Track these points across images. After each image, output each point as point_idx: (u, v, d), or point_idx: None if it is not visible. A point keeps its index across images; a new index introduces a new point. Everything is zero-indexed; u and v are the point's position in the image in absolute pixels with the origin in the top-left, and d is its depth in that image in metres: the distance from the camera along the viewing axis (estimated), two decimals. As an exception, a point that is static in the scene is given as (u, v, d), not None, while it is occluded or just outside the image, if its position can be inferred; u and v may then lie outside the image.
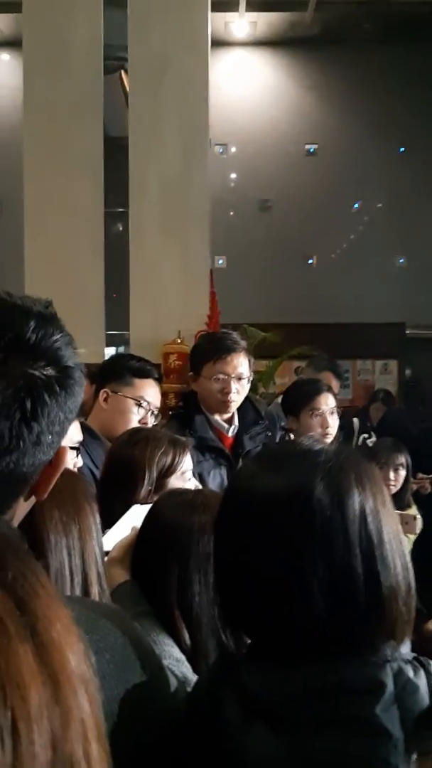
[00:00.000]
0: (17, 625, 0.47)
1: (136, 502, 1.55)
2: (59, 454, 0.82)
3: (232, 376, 2.44)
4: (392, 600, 0.82)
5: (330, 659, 0.80)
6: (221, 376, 2.43)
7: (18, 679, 0.45)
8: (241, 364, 2.46)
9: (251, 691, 0.83)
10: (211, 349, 2.48)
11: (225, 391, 2.44)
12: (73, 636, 0.51)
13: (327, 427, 2.75)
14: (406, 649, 0.86)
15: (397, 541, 0.85)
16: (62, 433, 0.78)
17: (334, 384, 3.51)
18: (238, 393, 2.47)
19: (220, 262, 8.78)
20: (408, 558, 0.86)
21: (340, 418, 2.97)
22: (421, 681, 0.80)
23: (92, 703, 0.49)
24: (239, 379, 2.46)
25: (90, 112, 5.02)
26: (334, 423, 2.79)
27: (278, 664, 0.82)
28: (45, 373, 0.72)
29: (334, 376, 3.66)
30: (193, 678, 1.07)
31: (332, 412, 2.79)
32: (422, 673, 0.81)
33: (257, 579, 0.84)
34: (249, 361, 2.51)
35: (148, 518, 1.31)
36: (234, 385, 2.43)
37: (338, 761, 0.76)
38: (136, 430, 1.82)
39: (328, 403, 2.78)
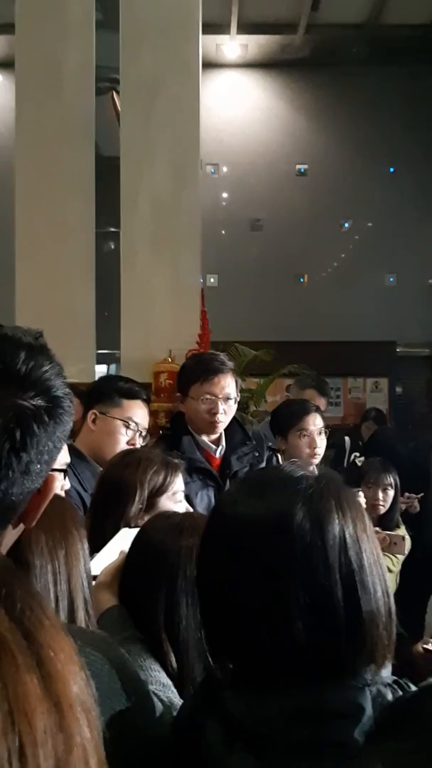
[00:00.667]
0: (24, 656, 0.50)
1: (127, 521, 1.55)
2: (48, 482, 0.83)
3: (220, 397, 2.44)
4: (372, 625, 0.83)
5: (310, 683, 0.81)
6: (208, 396, 2.44)
7: (25, 706, 0.47)
8: (229, 385, 2.47)
9: (233, 715, 0.83)
10: (198, 369, 2.48)
11: (212, 412, 2.44)
12: (76, 666, 0.54)
13: (315, 448, 2.76)
14: (386, 672, 0.87)
15: (377, 566, 0.86)
16: (51, 461, 0.80)
17: (320, 401, 3.50)
18: (226, 414, 2.47)
19: (212, 280, 8.83)
20: (388, 583, 0.87)
21: (332, 436, 2.98)
22: (401, 705, 0.81)
23: (93, 729, 0.52)
24: (226, 399, 2.46)
25: (82, 133, 5.06)
26: (321, 443, 2.80)
27: (259, 689, 0.83)
28: (34, 403, 0.73)
29: (318, 393, 3.64)
30: (179, 703, 1.07)
31: (320, 433, 2.79)
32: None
33: (238, 604, 0.85)
34: (236, 381, 2.51)
35: (136, 542, 1.32)
36: (221, 406, 2.44)
37: (319, 786, 0.77)
38: (128, 452, 1.82)
39: (316, 423, 2.79)
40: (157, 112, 5.06)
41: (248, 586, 0.85)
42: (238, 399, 2.52)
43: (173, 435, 2.54)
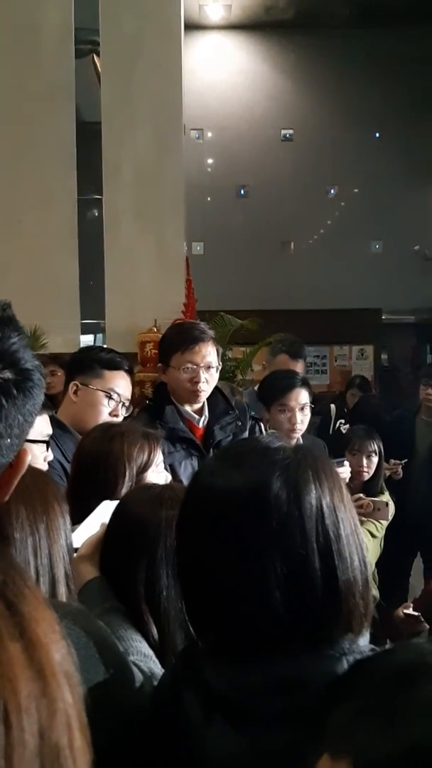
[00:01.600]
0: (8, 625, 0.52)
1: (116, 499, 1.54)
2: (20, 456, 0.82)
3: (201, 365, 2.42)
4: (349, 594, 0.83)
5: (288, 654, 0.81)
6: (190, 366, 2.42)
7: (9, 674, 0.49)
8: (210, 354, 2.45)
9: (211, 686, 0.84)
10: (178, 339, 2.46)
11: (194, 381, 2.42)
12: (57, 634, 0.55)
13: (294, 424, 2.75)
14: (364, 641, 0.87)
15: (354, 536, 0.86)
16: (22, 435, 0.78)
17: (294, 365, 3.43)
18: (208, 383, 2.45)
19: (198, 248, 8.75)
20: (365, 553, 0.87)
21: (318, 404, 2.97)
22: (377, 673, 0.81)
23: (75, 695, 0.53)
24: (208, 368, 2.44)
25: (62, 97, 4.96)
26: (303, 419, 2.78)
27: (238, 659, 0.83)
28: (2, 376, 0.72)
29: (290, 357, 3.54)
30: (160, 673, 1.08)
31: (302, 408, 2.78)
32: (378, 665, 0.82)
33: (216, 575, 0.85)
34: (217, 350, 2.50)
35: (116, 514, 1.31)
36: (203, 375, 2.42)
37: (295, 754, 0.77)
38: (108, 426, 1.79)
39: (298, 400, 2.76)
40: (139, 76, 4.96)
41: (226, 557, 0.84)
42: (219, 367, 2.51)
43: (156, 405, 2.53)
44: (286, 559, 0.81)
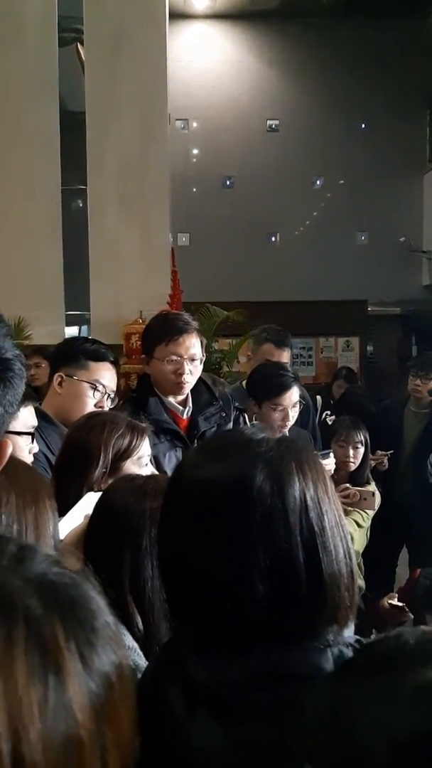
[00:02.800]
0: None
1: (90, 485, 1.53)
2: (1, 446, 0.81)
3: (185, 357, 2.41)
4: (334, 587, 0.82)
5: (272, 647, 0.80)
6: (174, 357, 2.41)
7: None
8: (194, 345, 2.44)
9: (195, 679, 0.83)
10: (162, 330, 2.45)
11: (178, 373, 2.41)
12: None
13: (287, 421, 2.76)
14: (349, 632, 0.87)
15: (339, 528, 0.85)
16: (2, 426, 0.77)
17: (280, 354, 3.43)
18: (191, 374, 2.44)
19: (183, 240, 8.72)
20: (350, 544, 0.87)
21: (303, 395, 2.97)
22: (362, 665, 0.81)
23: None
24: (192, 360, 2.43)
25: (45, 86, 4.91)
26: (294, 414, 2.80)
27: (222, 652, 0.82)
28: None
29: (275, 346, 3.51)
30: (144, 665, 1.07)
31: (294, 405, 2.79)
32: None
33: (199, 569, 0.84)
34: (201, 342, 2.49)
35: (100, 505, 1.30)
36: (187, 367, 2.41)
37: (280, 747, 0.77)
38: (93, 414, 1.79)
39: (292, 398, 2.78)
40: (123, 65, 4.92)
41: (209, 551, 0.83)
42: (203, 359, 2.50)
43: (140, 397, 2.52)
44: (269, 552, 0.80)
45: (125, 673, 0.55)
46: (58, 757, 0.46)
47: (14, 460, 1.26)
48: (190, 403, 2.53)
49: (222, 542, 0.82)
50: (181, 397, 2.49)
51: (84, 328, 6.08)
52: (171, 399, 2.48)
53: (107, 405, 2.22)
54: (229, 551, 0.81)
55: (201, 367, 2.49)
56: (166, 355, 2.41)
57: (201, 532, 0.84)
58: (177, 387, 2.45)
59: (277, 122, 9.00)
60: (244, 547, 0.81)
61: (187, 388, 2.47)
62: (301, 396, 2.86)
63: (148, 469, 1.67)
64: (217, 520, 0.83)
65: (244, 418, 2.71)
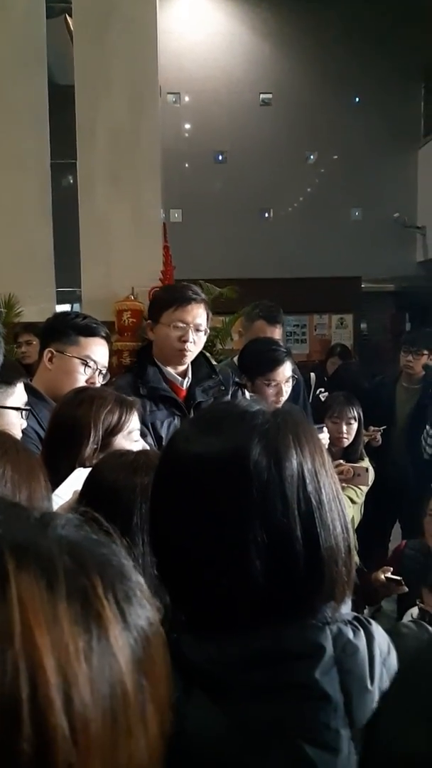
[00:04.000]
0: None
1: (82, 461, 1.51)
2: None
3: (191, 325, 2.42)
4: (332, 562, 0.80)
5: (269, 625, 0.78)
6: (180, 323, 2.42)
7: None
8: (200, 315, 2.45)
9: (190, 659, 0.80)
10: (171, 297, 2.46)
11: (183, 339, 2.42)
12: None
13: (280, 396, 2.74)
14: (346, 608, 0.85)
15: (336, 501, 0.82)
16: None
17: (272, 331, 3.41)
18: (195, 344, 2.46)
19: (176, 215, 8.63)
20: (348, 519, 0.84)
21: (297, 373, 2.96)
22: (361, 642, 0.79)
23: None
24: (197, 329, 2.45)
25: (33, 58, 4.80)
26: (288, 389, 2.79)
27: (217, 632, 0.80)
28: None
29: (267, 323, 3.51)
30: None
31: (287, 381, 2.76)
32: (362, 633, 0.80)
33: (194, 546, 0.81)
34: (208, 315, 2.49)
35: (89, 481, 1.28)
36: (191, 335, 2.42)
37: (278, 728, 0.75)
38: (81, 389, 1.76)
39: (285, 374, 2.75)
40: (113, 37, 4.81)
41: (204, 526, 0.81)
42: (207, 332, 2.51)
43: (139, 366, 2.51)
44: (266, 527, 0.78)
45: (159, 631, 0.56)
46: (105, 702, 0.46)
47: (10, 437, 1.23)
48: (189, 375, 2.53)
49: (217, 517, 0.79)
50: (181, 368, 2.49)
51: (76, 305, 6.02)
52: (170, 369, 2.48)
53: (99, 381, 2.18)
54: (225, 526, 0.79)
55: (204, 339, 2.50)
56: (173, 321, 2.42)
57: (195, 507, 0.81)
58: (179, 354, 2.45)
59: (270, 96, 8.87)
60: (241, 521, 0.78)
61: (189, 358, 2.48)
62: (293, 371, 2.84)
63: (139, 444, 1.65)
64: (213, 494, 0.80)
65: (243, 393, 2.70)
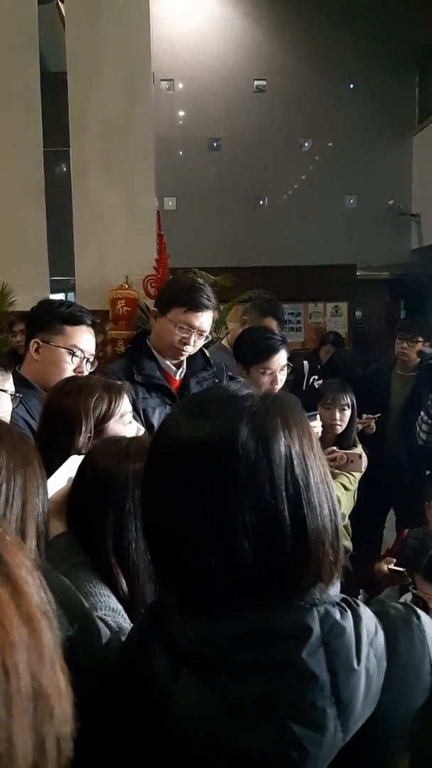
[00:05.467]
0: None
1: (76, 451, 1.51)
2: None
3: (195, 330, 2.45)
4: (318, 543, 0.81)
5: (257, 606, 0.79)
6: (186, 327, 2.44)
7: (2, 620, 0.49)
8: (207, 321, 2.48)
9: (179, 640, 0.81)
10: (185, 298, 2.45)
11: (183, 342, 2.45)
12: (36, 580, 0.56)
13: (275, 384, 2.75)
14: (335, 590, 0.86)
15: (324, 484, 0.83)
16: None
17: (274, 326, 3.49)
18: (194, 346, 2.49)
19: (170, 204, 8.59)
20: (335, 501, 0.85)
21: (292, 362, 2.97)
22: (348, 623, 0.80)
23: (55, 639, 0.54)
24: (200, 334, 2.48)
25: (24, 45, 4.77)
26: (283, 377, 2.80)
27: (206, 613, 0.81)
28: None
29: (276, 321, 3.61)
30: (128, 627, 1.06)
31: (282, 369, 2.77)
32: (349, 614, 0.81)
33: (183, 527, 0.82)
34: (214, 317, 2.53)
35: (82, 467, 1.28)
36: (193, 338, 2.45)
37: (265, 707, 0.76)
38: (68, 380, 1.76)
39: (280, 362, 2.76)
40: (105, 23, 4.78)
41: (193, 508, 0.81)
42: (209, 337, 2.55)
43: (135, 352, 2.52)
44: (254, 508, 0.79)
45: None
46: None
47: (4, 423, 1.24)
48: (184, 366, 2.56)
49: (206, 499, 0.80)
50: (176, 360, 2.52)
51: (70, 295, 6.01)
52: (166, 360, 2.50)
53: (87, 369, 2.15)
54: (214, 508, 0.80)
55: (204, 340, 2.54)
56: (180, 322, 2.43)
57: (184, 490, 0.82)
58: (176, 352, 2.48)
59: (264, 83, 8.82)
60: (229, 503, 0.79)
61: (185, 356, 2.49)
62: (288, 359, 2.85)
63: (132, 426, 1.66)
64: (201, 477, 0.81)
65: None
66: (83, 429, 1.55)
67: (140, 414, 2.30)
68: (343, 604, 0.82)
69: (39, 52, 4.85)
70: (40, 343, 2.14)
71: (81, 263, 4.84)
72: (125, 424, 1.62)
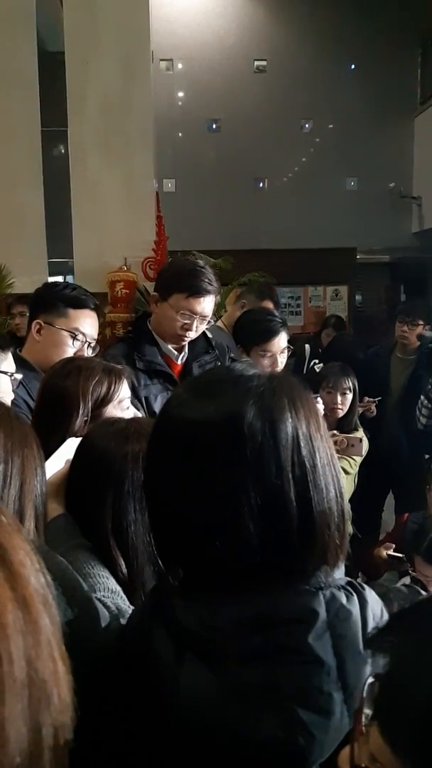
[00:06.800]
0: None
1: (72, 434, 1.49)
2: None
3: (197, 315, 2.39)
4: (324, 525, 0.79)
5: (262, 590, 0.78)
6: (188, 313, 2.38)
7: None
8: (210, 306, 2.42)
9: (183, 624, 0.80)
10: (187, 283, 2.39)
11: (185, 328, 2.40)
12: (35, 563, 0.54)
13: (275, 366, 2.73)
14: (340, 573, 0.84)
15: (330, 466, 0.81)
16: None
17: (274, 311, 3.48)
18: (196, 331, 2.44)
19: (169, 185, 8.52)
20: (342, 483, 0.83)
21: (292, 345, 2.95)
22: (354, 607, 0.78)
23: (54, 624, 0.53)
24: (202, 319, 2.42)
25: (21, 24, 4.69)
26: (283, 360, 2.77)
27: (210, 597, 0.79)
28: None
29: (274, 304, 3.58)
30: (127, 609, 1.05)
31: (282, 351, 2.75)
32: (355, 599, 0.79)
33: (188, 509, 0.80)
34: (216, 301, 2.47)
35: (80, 449, 1.27)
36: (195, 324, 2.40)
37: (271, 692, 0.75)
38: (68, 360, 1.73)
39: (280, 344, 2.74)
40: (103, 1, 4.70)
41: (198, 490, 0.80)
42: (212, 321, 2.50)
43: (135, 338, 2.48)
44: (260, 489, 0.77)
45: None
46: None
47: (2, 405, 1.22)
48: (186, 350, 2.51)
49: (211, 481, 0.79)
50: (176, 345, 2.48)
51: (69, 277, 5.97)
52: (168, 345, 2.46)
53: (88, 353, 2.12)
54: (220, 489, 0.78)
55: (206, 324, 2.48)
56: (181, 308, 2.38)
57: (190, 470, 0.80)
58: (178, 338, 2.44)
59: (264, 63, 8.71)
60: (235, 483, 0.77)
61: (186, 341, 2.45)
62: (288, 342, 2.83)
63: (130, 412, 1.63)
64: (207, 457, 0.79)
65: None
66: (80, 411, 1.52)
67: (142, 402, 2.27)
68: (349, 588, 0.81)
69: (36, 31, 4.78)
70: (43, 324, 2.12)
71: (79, 245, 4.79)
72: (123, 410, 1.59)
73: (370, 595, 0.81)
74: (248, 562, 0.78)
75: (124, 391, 1.60)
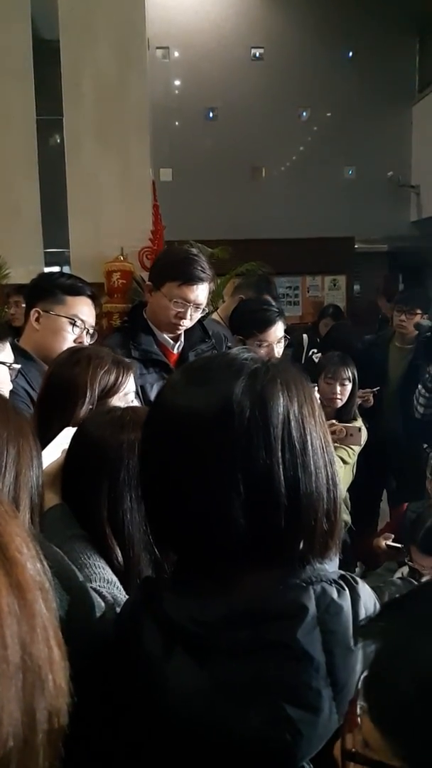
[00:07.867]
0: None
1: (76, 422, 1.48)
2: None
3: (191, 303, 2.39)
4: (311, 508, 0.78)
5: (251, 584, 0.77)
6: (181, 301, 2.38)
7: None
8: (204, 294, 2.42)
9: (172, 618, 0.79)
10: (180, 271, 2.38)
11: (179, 316, 2.39)
12: (32, 550, 0.54)
13: (272, 356, 2.72)
14: (333, 566, 0.83)
15: (323, 451, 0.80)
16: None
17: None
18: (191, 320, 2.43)
19: (167, 175, 8.47)
20: (335, 471, 0.82)
21: (290, 335, 2.94)
22: (345, 602, 0.77)
23: (50, 610, 0.53)
24: (197, 307, 2.42)
25: (16, 11, 4.65)
26: (280, 349, 2.77)
27: (200, 589, 0.78)
28: None
29: (272, 299, 3.58)
30: (123, 598, 1.04)
31: (279, 341, 2.74)
32: (347, 593, 0.78)
33: (179, 490, 0.79)
34: (210, 288, 2.45)
35: (76, 438, 1.26)
36: (189, 312, 2.40)
37: (259, 687, 0.74)
38: (77, 349, 1.72)
39: (277, 334, 2.73)
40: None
41: (189, 470, 0.79)
42: (206, 310, 2.49)
43: (131, 327, 2.47)
44: (249, 469, 0.76)
45: None
46: None
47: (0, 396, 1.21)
48: (182, 339, 2.51)
49: (202, 458, 0.78)
50: (173, 334, 2.48)
51: (65, 268, 5.95)
52: (163, 333, 2.46)
53: (87, 340, 2.16)
54: (209, 468, 0.77)
55: (201, 312, 2.47)
56: (175, 297, 2.37)
57: (181, 451, 0.80)
58: (172, 327, 2.43)
59: (261, 51, 8.64)
60: (224, 463, 0.76)
61: (182, 330, 2.45)
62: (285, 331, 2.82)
63: (135, 405, 1.63)
64: (198, 436, 0.78)
65: None
66: (86, 400, 1.52)
67: (138, 391, 2.28)
68: (341, 582, 0.79)
69: (31, 18, 4.73)
70: (41, 312, 2.14)
71: (75, 235, 4.77)
72: (127, 402, 1.59)
73: (363, 589, 0.80)
74: (237, 545, 0.77)
75: (130, 384, 1.60)
